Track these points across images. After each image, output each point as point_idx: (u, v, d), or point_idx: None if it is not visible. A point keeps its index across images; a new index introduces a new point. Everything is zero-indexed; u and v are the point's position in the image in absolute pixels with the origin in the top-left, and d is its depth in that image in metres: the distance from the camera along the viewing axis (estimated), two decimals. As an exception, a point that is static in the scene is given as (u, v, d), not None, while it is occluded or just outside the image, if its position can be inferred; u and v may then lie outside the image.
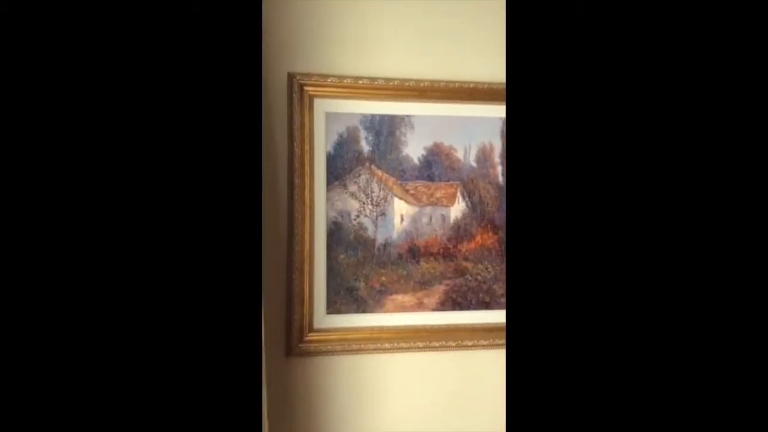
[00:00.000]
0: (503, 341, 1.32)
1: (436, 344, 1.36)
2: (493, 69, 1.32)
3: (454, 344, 1.36)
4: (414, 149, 1.38)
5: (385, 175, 1.37)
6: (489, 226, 1.40)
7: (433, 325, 1.35)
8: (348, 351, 1.31)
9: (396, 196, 1.38)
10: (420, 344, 1.35)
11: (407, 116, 1.37)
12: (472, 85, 1.36)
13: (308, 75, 1.34)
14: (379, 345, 1.33)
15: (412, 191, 1.39)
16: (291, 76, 1.34)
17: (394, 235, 1.37)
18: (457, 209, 1.39)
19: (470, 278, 1.38)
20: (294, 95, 1.34)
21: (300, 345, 1.29)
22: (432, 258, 1.38)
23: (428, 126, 1.38)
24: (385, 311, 1.35)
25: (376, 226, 1.36)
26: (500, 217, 1.43)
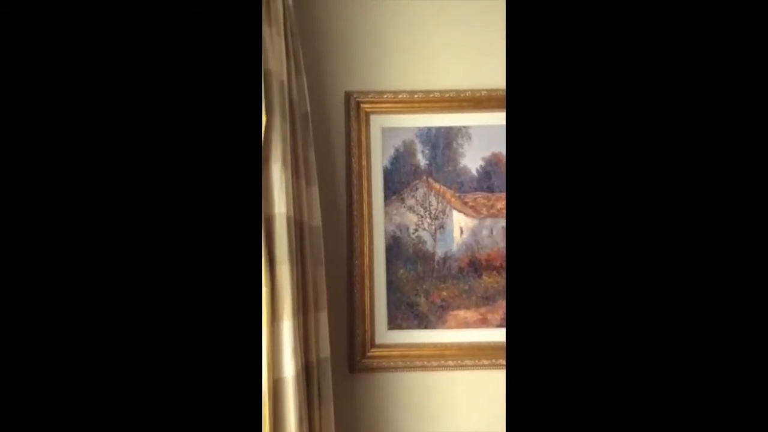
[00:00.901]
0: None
1: (503, 362, 1.29)
2: (553, 74, 1.27)
3: (521, 362, 1.29)
4: (472, 160, 1.35)
5: (443, 188, 1.35)
6: (554, 237, 1.34)
7: (499, 342, 1.30)
8: (411, 368, 1.28)
9: (455, 208, 1.35)
10: (485, 362, 1.29)
11: (464, 127, 1.36)
12: (530, 92, 1.32)
13: (364, 92, 1.37)
14: (442, 362, 1.29)
15: (471, 203, 1.36)
16: (348, 95, 1.37)
17: (454, 249, 1.34)
18: (520, 220, 1.34)
19: (536, 292, 1.32)
20: (351, 113, 1.37)
21: (363, 361, 1.28)
22: (494, 272, 1.33)
23: (486, 136, 1.35)
24: (448, 327, 1.31)
25: (435, 239, 1.34)
26: (566, 228, 1.35)
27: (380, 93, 1.37)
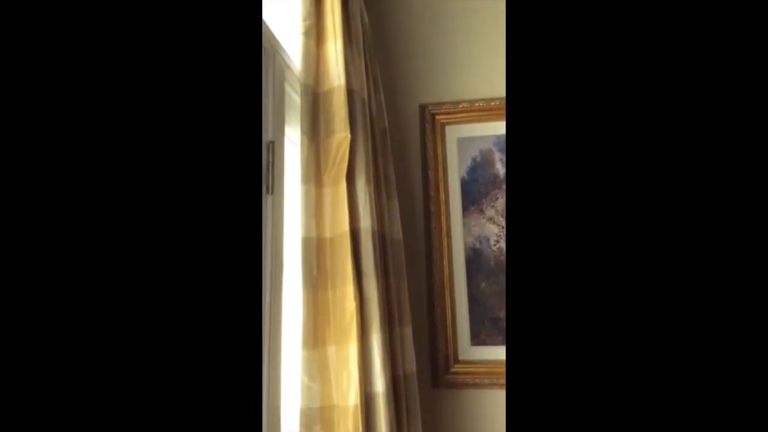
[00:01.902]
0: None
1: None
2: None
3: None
4: (555, 167, 1.29)
5: (525, 197, 1.30)
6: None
7: (593, 360, 1.20)
8: (496, 385, 1.23)
9: (538, 218, 1.29)
10: (579, 381, 1.20)
11: (545, 133, 1.30)
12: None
13: (439, 104, 1.36)
14: (531, 380, 1.22)
15: (555, 212, 1.29)
16: (422, 108, 1.37)
17: (539, 260, 1.27)
18: (611, 228, 1.25)
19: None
20: (426, 125, 1.37)
21: (446, 376, 1.25)
22: (585, 284, 1.24)
23: (569, 141, 1.28)
24: (535, 343, 1.24)
25: (517, 250, 1.29)
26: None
27: (455, 103, 1.36)
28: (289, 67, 0.96)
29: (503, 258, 1.30)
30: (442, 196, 1.34)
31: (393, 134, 1.33)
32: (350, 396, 0.84)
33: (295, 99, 0.98)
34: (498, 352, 1.25)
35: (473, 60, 1.38)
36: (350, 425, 0.81)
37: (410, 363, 1.06)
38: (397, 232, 1.13)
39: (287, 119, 0.94)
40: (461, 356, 1.26)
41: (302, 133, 0.93)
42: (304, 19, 0.95)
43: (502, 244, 1.30)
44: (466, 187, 1.34)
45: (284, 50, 0.94)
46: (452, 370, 1.25)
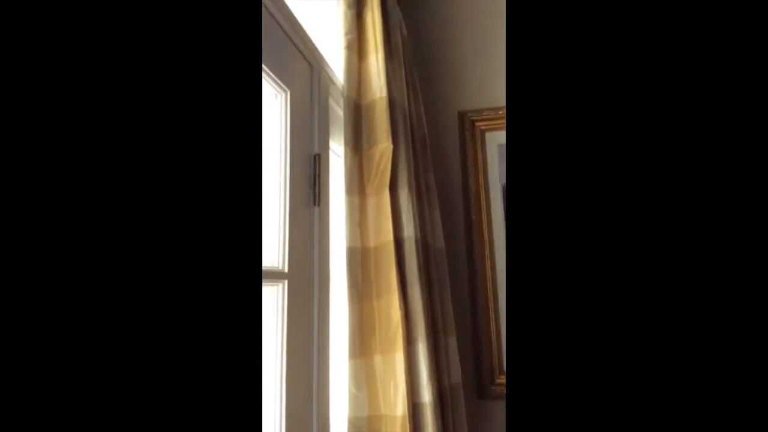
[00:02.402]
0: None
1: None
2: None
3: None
4: (601, 171, 1.25)
5: (570, 203, 1.26)
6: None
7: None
8: (544, 398, 1.19)
9: (584, 224, 1.25)
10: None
11: (590, 137, 1.26)
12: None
13: (478, 111, 1.36)
14: (581, 393, 1.18)
15: (603, 218, 1.24)
16: (461, 114, 1.37)
17: (587, 268, 1.23)
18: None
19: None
20: (466, 133, 1.36)
21: (492, 388, 1.23)
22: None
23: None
24: (584, 354, 1.20)
25: (563, 258, 1.25)
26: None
27: (495, 109, 1.34)
28: (332, 81, 0.99)
29: (548, 266, 1.27)
30: (484, 204, 1.32)
31: (432, 142, 1.33)
32: (398, 406, 0.84)
33: (337, 112, 1.00)
34: (545, 363, 1.22)
35: (512, 65, 1.36)
36: (398, 436, 0.81)
37: (455, 373, 1.05)
38: (439, 240, 1.12)
39: (331, 132, 0.96)
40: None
41: (345, 144, 0.94)
42: (346, 34, 0.97)
43: (547, 252, 1.27)
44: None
45: (328, 65, 0.97)
46: (497, 381, 1.23)
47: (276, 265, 0.74)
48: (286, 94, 0.79)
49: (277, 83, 0.76)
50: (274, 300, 0.72)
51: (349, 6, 0.97)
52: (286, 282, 0.73)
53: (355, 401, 0.85)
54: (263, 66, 0.71)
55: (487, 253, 1.30)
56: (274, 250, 0.74)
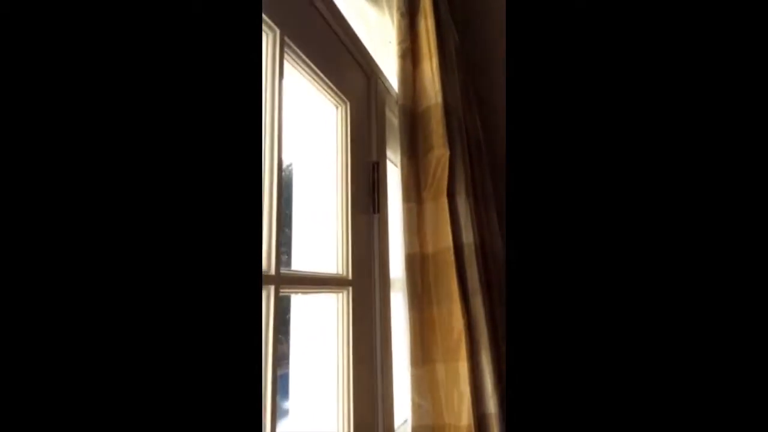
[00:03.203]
0: None
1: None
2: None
3: None
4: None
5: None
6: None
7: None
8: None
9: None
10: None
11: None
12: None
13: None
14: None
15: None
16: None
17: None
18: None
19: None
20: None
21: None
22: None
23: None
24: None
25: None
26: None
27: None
28: (387, 90, 1.00)
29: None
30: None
31: (488, 147, 1.31)
32: (462, 416, 0.82)
33: (392, 121, 1.01)
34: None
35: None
36: (464, 446, 0.79)
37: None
38: (498, 245, 1.10)
39: (387, 140, 0.97)
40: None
41: (402, 152, 0.95)
42: (400, 43, 0.98)
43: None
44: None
45: (384, 75, 0.98)
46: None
47: (340, 272, 0.75)
48: (345, 105, 0.80)
49: (337, 95, 0.78)
50: (339, 307, 0.73)
51: (402, 15, 0.98)
52: (350, 289, 0.74)
53: (418, 410, 0.85)
54: (326, 79, 0.73)
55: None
56: (337, 258, 0.75)
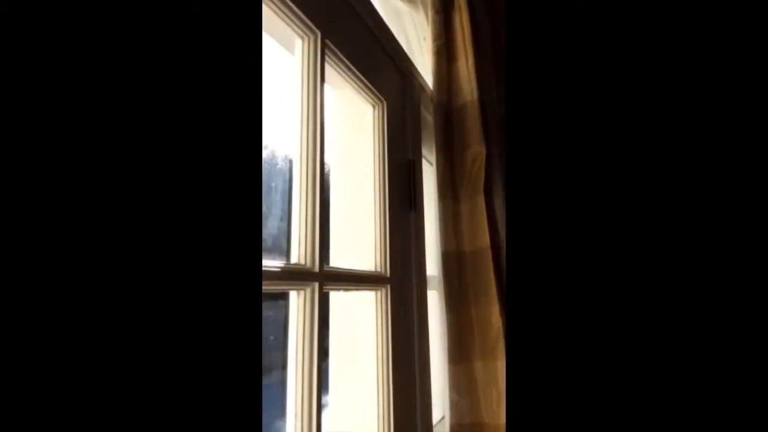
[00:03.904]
0: None
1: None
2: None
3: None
4: None
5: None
6: None
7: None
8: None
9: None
10: None
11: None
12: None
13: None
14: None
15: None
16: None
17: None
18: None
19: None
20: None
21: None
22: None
23: None
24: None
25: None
26: None
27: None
28: (422, 87, 1.00)
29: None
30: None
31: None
32: (501, 414, 0.82)
33: (427, 118, 1.01)
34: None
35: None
36: (503, 445, 0.79)
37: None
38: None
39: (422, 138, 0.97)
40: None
41: (437, 150, 0.95)
42: (435, 40, 0.98)
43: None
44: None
45: (419, 73, 0.98)
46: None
47: (379, 270, 0.76)
48: (382, 104, 0.81)
49: (374, 94, 0.79)
50: (378, 304, 0.74)
51: (437, 12, 0.98)
52: (389, 286, 0.75)
53: (456, 408, 0.85)
54: (364, 80, 0.74)
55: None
56: (375, 255, 0.76)
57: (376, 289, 0.74)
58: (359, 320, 0.75)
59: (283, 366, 0.57)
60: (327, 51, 0.63)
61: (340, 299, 0.76)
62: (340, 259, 0.76)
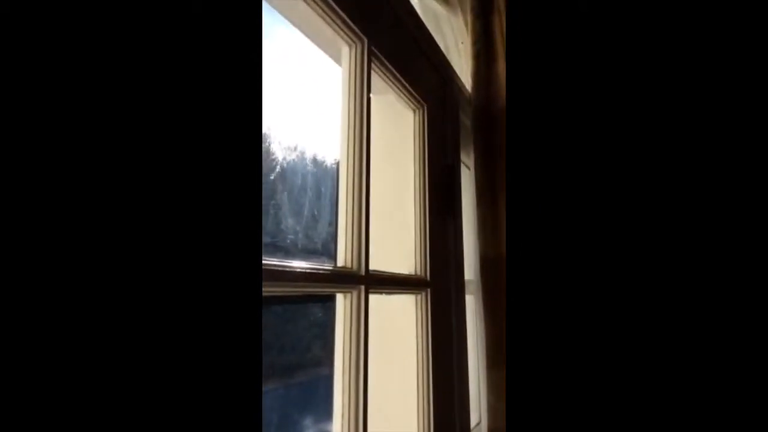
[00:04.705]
0: None
1: None
2: None
3: None
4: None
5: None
6: None
7: None
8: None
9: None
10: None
11: None
12: None
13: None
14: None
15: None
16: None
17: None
18: None
19: None
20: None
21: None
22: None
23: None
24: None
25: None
26: None
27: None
28: (461, 91, 1.00)
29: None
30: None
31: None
32: (540, 422, 0.81)
33: (464, 122, 1.00)
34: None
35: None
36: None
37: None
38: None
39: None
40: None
41: (475, 154, 0.94)
42: (474, 43, 0.97)
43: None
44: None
45: (458, 76, 0.98)
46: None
47: (418, 273, 0.76)
48: (422, 108, 0.81)
49: (415, 99, 0.79)
50: (418, 308, 0.75)
51: (476, 16, 0.98)
52: (428, 290, 0.75)
53: (494, 412, 0.84)
54: (406, 84, 0.75)
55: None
56: (415, 259, 0.77)
57: (416, 293, 0.75)
58: (396, 322, 0.76)
59: (328, 366, 0.58)
60: (373, 58, 0.64)
61: (377, 301, 0.77)
62: (378, 261, 0.77)
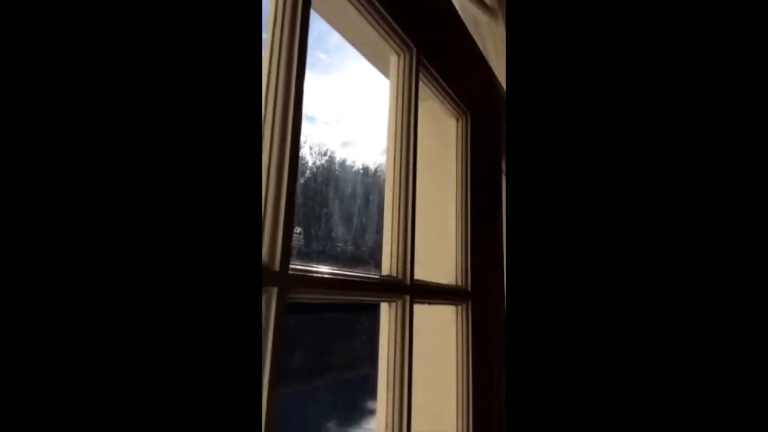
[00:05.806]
0: None
1: None
2: None
3: None
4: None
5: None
6: None
7: None
8: None
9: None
10: None
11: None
12: None
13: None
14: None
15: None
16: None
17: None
18: None
19: None
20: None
21: None
22: None
23: None
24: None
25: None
26: None
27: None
28: (503, 99, 0.98)
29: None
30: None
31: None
32: None
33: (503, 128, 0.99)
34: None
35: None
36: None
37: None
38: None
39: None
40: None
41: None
42: (517, 51, 0.96)
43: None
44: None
45: (500, 84, 0.97)
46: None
47: (459, 284, 0.75)
48: (466, 116, 0.81)
49: (459, 107, 0.79)
50: (458, 318, 0.74)
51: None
52: (470, 302, 0.75)
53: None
54: (451, 93, 0.74)
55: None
56: (456, 269, 0.76)
57: (457, 304, 0.74)
58: (437, 332, 0.75)
59: (372, 372, 0.58)
60: (420, 66, 0.64)
61: (418, 310, 0.77)
62: (420, 270, 0.76)
